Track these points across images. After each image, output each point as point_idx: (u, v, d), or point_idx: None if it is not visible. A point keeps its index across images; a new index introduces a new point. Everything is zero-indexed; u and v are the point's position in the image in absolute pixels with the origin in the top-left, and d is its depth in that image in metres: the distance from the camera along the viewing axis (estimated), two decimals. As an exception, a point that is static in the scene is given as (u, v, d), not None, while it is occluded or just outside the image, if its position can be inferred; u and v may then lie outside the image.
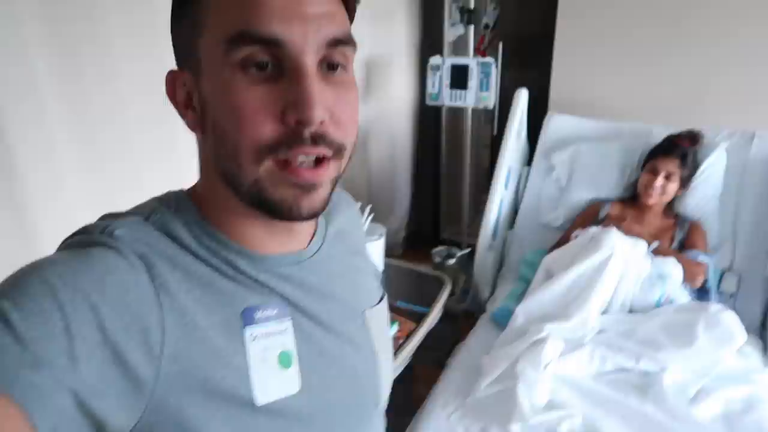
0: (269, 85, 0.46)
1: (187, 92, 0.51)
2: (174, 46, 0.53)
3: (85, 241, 0.47)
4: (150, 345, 0.44)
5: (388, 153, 3.00)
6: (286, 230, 0.56)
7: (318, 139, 0.47)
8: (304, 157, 0.48)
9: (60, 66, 1.11)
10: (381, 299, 0.69)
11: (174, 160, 1.28)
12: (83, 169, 1.19)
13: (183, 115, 0.53)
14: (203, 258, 0.51)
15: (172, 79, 0.53)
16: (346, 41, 0.49)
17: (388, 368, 0.69)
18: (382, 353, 0.66)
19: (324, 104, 0.47)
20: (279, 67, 0.46)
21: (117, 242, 0.47)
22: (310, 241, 0.61)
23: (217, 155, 0.50)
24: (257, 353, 0.51)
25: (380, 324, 0.67)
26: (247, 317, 0.51)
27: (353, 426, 0.61)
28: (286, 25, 0.45)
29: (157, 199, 0.55)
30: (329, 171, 0.50)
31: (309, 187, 0.49)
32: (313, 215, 0.51)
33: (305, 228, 0.60)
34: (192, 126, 0.53)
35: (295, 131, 0.46)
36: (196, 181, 0.57)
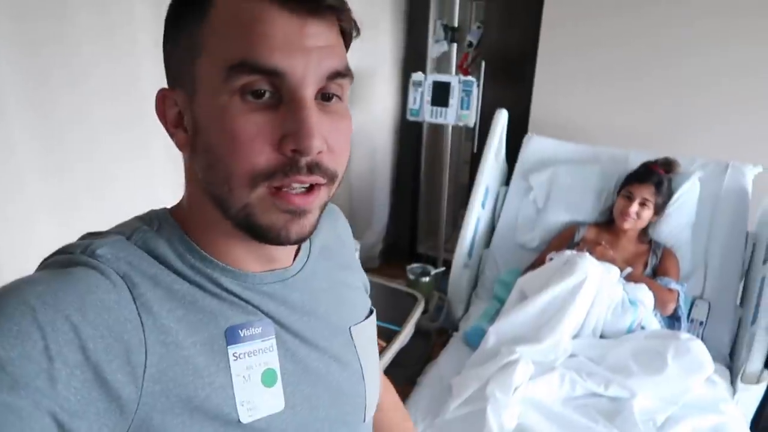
0: (267, 113, 0.47)
1: (178, 111, 0.51)
2: (166, 64, 0.52)
3: (65, 260, 0.47)
4: (133, 365, 0.44)
5: (369, 166, 2.99)
6: (271, 251, 0.56)
7: (313, 167, 0.48)
8: (297, 184, 0.48)
9: (24, 65, 1.06)
10: (368, 315, 0.70)
11: (144, 166, 1.24)
12: (46, 172, 1.15)
13: (172, 135, 0.52)
14: (187, 276, 0.51)
15: (162, 97, 0.52)
16: (344, 74, 0.50)
17: (375, 384, 0.69)
18: (369, 369, 0.66)
19: (321, 134, 0.47)
20: (277, 96, 0.47)
21: (98, 261, 0.46)
22: (295, 258, 0.61)
23: (207, 177, 0.50)
24: (241, 372, 0.51)
25: (367, 340, 0.67)
26: (231, 336, 0.51)
27: None
28: (288, 57, 0.45)
29: (139, 218, 0.54)
30: (320, 197, 0.51)
31: (300, 213, 0.50)
32: (302, 240, 0.52)
33: (290, 247, 0.60)
34: (181, 145, 0.52)
35: (292, 160, 0.47)
36: (180, 199, 0.57)
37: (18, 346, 0.39)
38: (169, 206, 0.57)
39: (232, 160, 0.47)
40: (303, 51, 0.46)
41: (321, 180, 0.49)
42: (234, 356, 0.51)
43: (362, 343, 0.66)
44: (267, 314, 0.55)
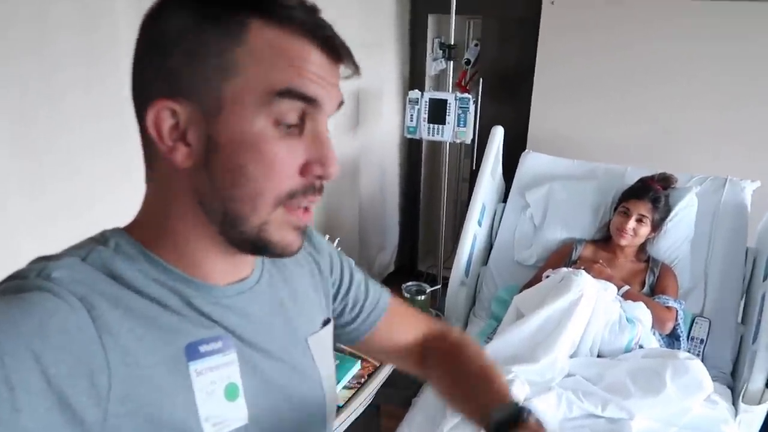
0: (293, 141, 0.51)
1: (175, 123, 0.50)
2: (168, 75, 0.50)
3: (19, 286, 0.46)
4: (97, 388, 0.44)
5: (378, 185, 2.99)
6: (243, 261, 0.59)
7: (321, 188, 0.55)
8: (307, 203, 0.54)
9: (2, 80, 1.06)
10: (325, 323, 0.70)
11: (125, 184, 1.23)
12: (26, 192, 1.14)
13: (168, 147, 0.51)
14: (147, 294, 0.51)
15: (159, 108, 0.50)
16: (342, 104, 0.57)
17: (333, 391, 0.71)
18: (326, 378, 0.68)
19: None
20: (299, 126, 0.52)
21: (54, 285, 0.46)
22: (253, 270, 0.62)
23: (219, 194, 0.51)
24: (203, 387, 0.52)
25: (324, 349, 0.69)
26: (191, 352, 0.52)
27: None
28: (322, 89, 0.52)
29: (93, 239, 0.54)
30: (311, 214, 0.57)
31: (304, 228, 0.56)
32: (298, 251, 0.57)
33: (252, 259, 0.62)
34: (181, 159, 0.51)
35: (312, 182, 0.53)
36: (135, 218, 0.57)
37: None
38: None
39: (266, 181, 0.50)
40: (330, 86, 0.53)
41: (319, 199, 0.55)
42: (196, 372, 0.51)
43: (319, 352, 0.67)
44: (227, 328, 0.55)
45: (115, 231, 0.55)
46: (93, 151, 1.27)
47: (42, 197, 1.18)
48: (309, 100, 0.51)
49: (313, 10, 0.52)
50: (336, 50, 0.53)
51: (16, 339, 0.41)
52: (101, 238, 0.54)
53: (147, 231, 0.55)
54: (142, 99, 0.51)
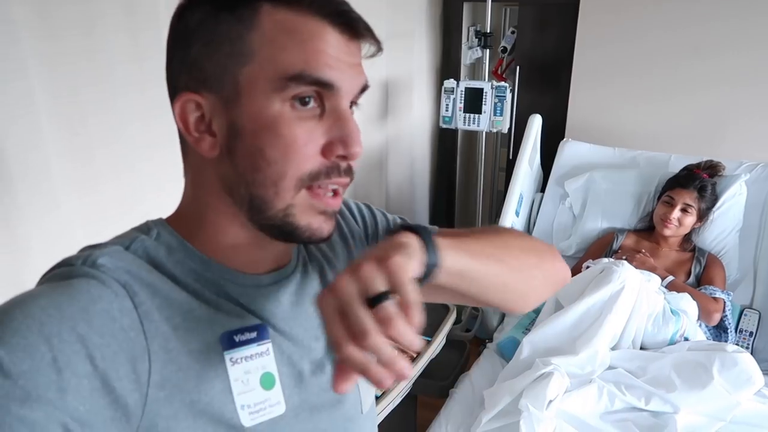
0: (314, 121, 0.51)
1: (201, 115, 0.51)
2: (187, 67, 0.51)
3: (67, 272, 0.48)
4: (138, 372, 0.45)
5: (407, 175, 2.97)
6: (278, 249, 0.58)
7: (348, 170, 0.53)
8: (333, 186, 0.53)
9: (56, 84, 1.10)
10: None
11: (176, 183, 1.26)
12: (78, 189, 1.18)
13: (196, 140, 0.52)
14: (184, 284, 0.52)
15: (184, 100, 0.52)
16: (367, 87, 0.55)
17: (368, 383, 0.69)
18: None
19: (360, 141, 0.53)
20: (320, 107, 0.51)
21: (99, 271, 0.47)
22: (290, 259, 0.62)
23: (250, 179, 0.51)
24: (239, 376, 0.52)
25: None
26: (226, 341, 0.52)
27: None
28: (338, 71, 0.50)
29: (136, 229, 0.55)
30: (342, 198, 0.56)
31: (332, 213, 0.55)
32: (330, 237, 0.55)
33: (290, 248, 0.62)
34: (207, 149, 0.52)
35: (335, 163, 0.52)
36: (176, 209, 0.58)
37: (27, 359, 0.40)
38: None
39: (286, 163, 0.50)
40: (348, 67, 0.51)
41: (348, 181, 0.54)
42: (231, 361, 0.52)
43: None
44: (263, 318, 0.56)
45: (158, 222, 0.56)
46: (144, 150, 1.30)
47: (94, 195, 1.22)
48: (324, 85, 0.50)
49: None
50: (352, 26, 0.51)
51: (62, 322, 0.42)
52: (144, 228, 0.55)
53: (185, 222, 0.56)
54: (172, 93, 0.53)
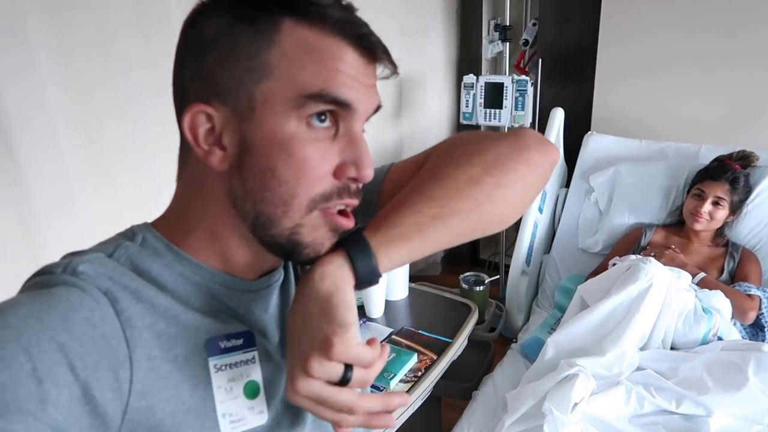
0: (327, 143, 0.51)
1: (211, 127, 0.50)
2: (204, 76, 0.50)
3: (46, 281, 0.47)
4: (119, 381, 0.45)
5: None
6: (272, 258, 0.57)
7: (358, 192, 0.54)
8: (341, 206, 0.52)
9: (70, 88, 1.11)
10: None
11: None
12: (95, 194, 1.20)
13: (204, 151, 0.51)
14: (171, 289, 0.51)
15: (195, 111, 0.50)
16: (379, 108, 0.55)
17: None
18: None
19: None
20: (335, 127, 0.51)
21: (80, 279, 0.47)
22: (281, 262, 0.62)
23: (251, 197, 0.51)
24: (222, 384, 0.52)
25: None
26: (211, 348, 0.52)
27: None
28: (355, 92, 0.50)
29: (121, 234, 0.55)
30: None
31: (341, 233, 0.54)
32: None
33: None
34: (216, 163, 0.51)
35: (346, 185, 0.52)
36: (163, 214, 0.58)
37: (5, 370, 0.39)
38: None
39: (298, 183, 0.49)
40: (365, 88, 0.52)
41: (357, 203, 0.54)
42: (215, 368, 0.51)
43: None
44: (251, 325, 0.55)
45: (143, 226, 0.56)
46: (160, 154, 1.31)
47: (111, 200, 1.23)
48: (342, 104, 0.50)
49: (348, 8, 0.51)
50: (372, 49, 0.52)
51: (41, 332, 0.42)
52: (129, 233, 0.55)
53: (176, 227, 0.55)
54: (180, 102, 0.52)
